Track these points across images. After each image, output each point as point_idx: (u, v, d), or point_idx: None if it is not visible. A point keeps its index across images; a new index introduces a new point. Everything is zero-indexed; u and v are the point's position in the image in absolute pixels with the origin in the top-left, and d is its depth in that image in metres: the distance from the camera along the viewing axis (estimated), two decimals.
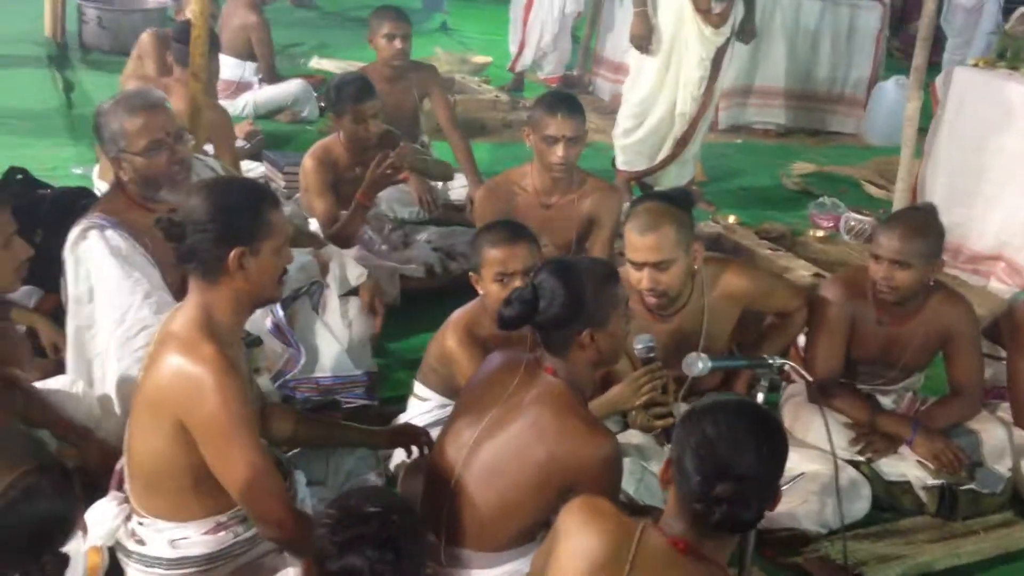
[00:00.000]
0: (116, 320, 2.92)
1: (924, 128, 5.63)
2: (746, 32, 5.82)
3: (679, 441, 1.99)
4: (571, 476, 2.41)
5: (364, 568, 1.77)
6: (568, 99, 4.13)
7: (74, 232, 2.99)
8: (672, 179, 5.91)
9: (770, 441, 1.97)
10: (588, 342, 2.46)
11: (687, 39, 5.59)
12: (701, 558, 1.97)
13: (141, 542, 2.44)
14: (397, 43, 5.40)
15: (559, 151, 3.95)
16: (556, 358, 2.50)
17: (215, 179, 2.50)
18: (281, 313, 3.46)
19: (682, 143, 5.86)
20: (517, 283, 3.05)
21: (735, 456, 1.91)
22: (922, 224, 3.42)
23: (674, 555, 1.97)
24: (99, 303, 2.97)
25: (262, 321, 3.35)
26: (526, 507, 2.49)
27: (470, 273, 3.26)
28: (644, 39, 5.67)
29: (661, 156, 5.89)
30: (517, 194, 4.10)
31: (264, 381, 3.24)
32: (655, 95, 5.77)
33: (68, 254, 3.00)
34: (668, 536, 1.99)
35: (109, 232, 2.97)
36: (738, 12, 5.69)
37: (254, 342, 3.22)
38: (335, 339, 3.60)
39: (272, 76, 7.18)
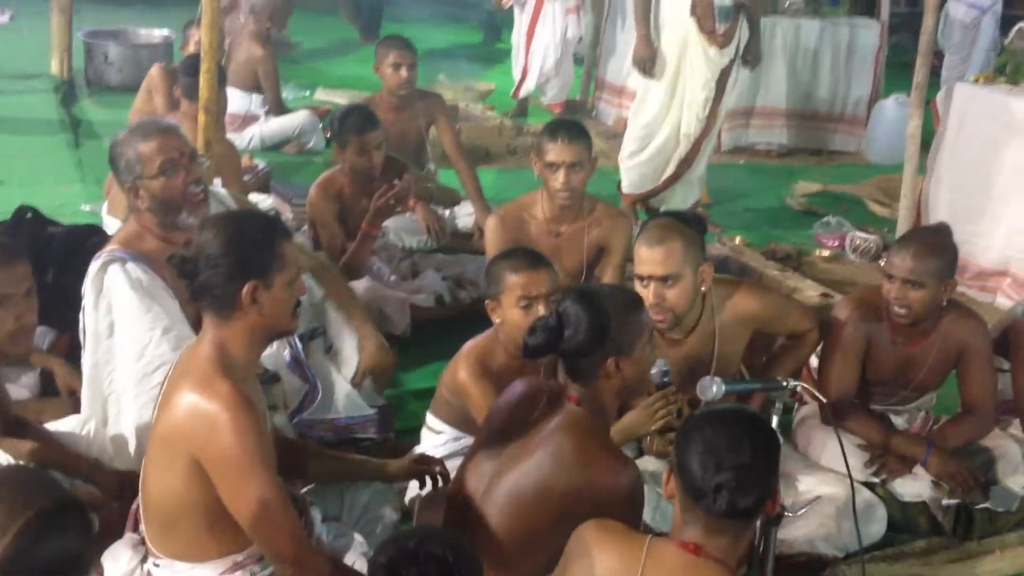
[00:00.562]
0: (135, 355, 2.92)
1: (926, 145, 5.64)
2: (751, 55, 5.85)
3: (680, 448, 2.07)
4: (594, 506, 2.38)
5: None
6: (570, 125, 4.14)
7: (94, 266, 3.00)
8: (678, 201, 5.93)
9: (763, 437, 2.10)
10: (614, 370, 2.46)
11: (692, 61, 5.62)
12: (712, 559, 2.02)
13: None
14: (403, 72, 5.45)
15: (561, 177, 3.98)
16: (580, 386, 2.49)
17: (225, 213, 2.50)
18: (300, 346, 3.45)
19: (686, 164, 5.88)
20: (540, 308, 3.06)
21: (731, 450, 2.02)
22: (936, 243, 3.43)
23: (684, 557, 2.03)
24: (118, 338, 2.97)
25: (280, 354, 3.34)
26: (550, 538, 2.45)
27: (486, 301, 3.25)
28: (648, 62, 5.69)
29: (665, 176, 5.91)
30: (527, 221, 4.11)
31: (280, 418, 3.23)
32: (661, 118, 5.79)
33: (89, 288, 3.00)
34: (677, 541, 2.06)
35: (130, 265, 2.98)
36: (743, 33, 5.72)
37: (271, 378, 3.22)
38: (345, 379, 3.59)
39: (279, 108, 7.23)
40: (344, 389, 3.57)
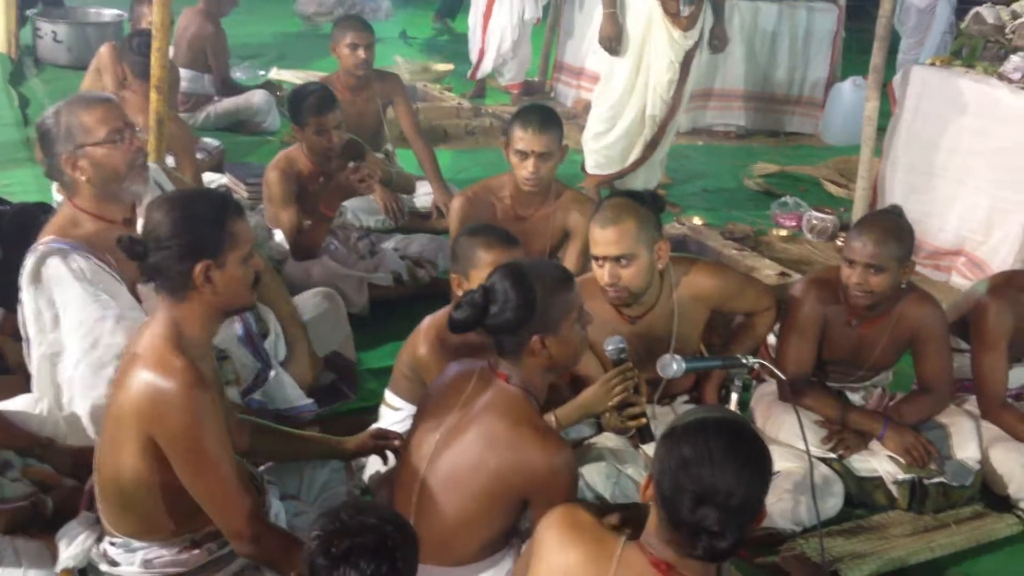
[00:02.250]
0: (87, 347, 2.84)
1: (882, 127, 5.68)
2: (718, 39, 5.87)
3: (660, 460, 1.94)
4: (523, 485, 2.40)
5: None
6: (542, 114, 4.05)
7: (30, 261, 2.88)
8: (640, 183, 5.93)
9: (753, 464, 1.91)
10: (539, 348, 2.45)
11: (656, 42, 5.62)
12: None
13: (114, 563, 2.40)
14: (360, 53, 5.39)
15: (529, 167, 3.94)
16: (509, 364, 2.49)
17: (174, 193, 2.45)
18: (253, 322, 3.40)
19: (651, 146, 5.87)
20: None
21: (716, 481, 1.85)
22: (894, 227, 3.44)
23: None
24: (66, 329, 2.88)
25: (230, 327, 3.28)
26: (484, 518, 2.47)
27: (452, 276, 3.22)
28: (614, 40, 5.69)
29: (631, 159, 5.91)
30: (493, 204, 4.07)
31: (233, 393, 3.19)
32: (626, 99, 5.78)
33: (27, 282, 2.89)
34: (650, 556, 1.95)
35: (71, 256, 2.87)
36: (707, 17, 5.72)
37: (220, 356, 3.17)
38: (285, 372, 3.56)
39: (227, 87, 7.11)
40: (286, 381, 3.52)
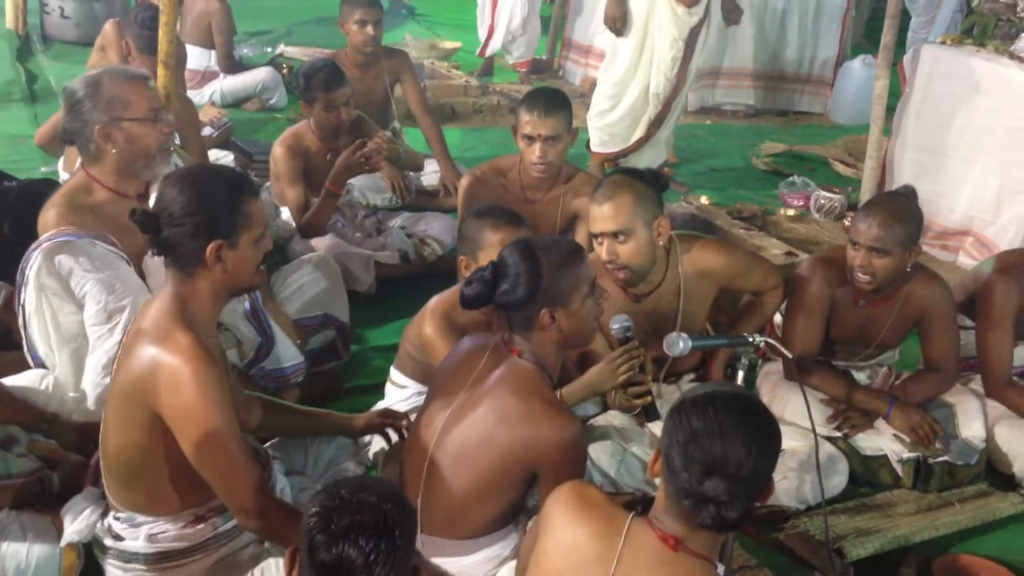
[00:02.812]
0: (108, 332, 2.85)
1: (892, 107, 5.65)
2: (731, 12, 5.84)
3: (669, 434, 1.93)
4: (533, 459, 2.40)
5: (358, 558, 1.73)
6: (550, 97, 4.01)
7: (39, 260, 2.85)
8: (645, 162, 5.90)
9: (762, 437, 1.90)
10: (548, 322, 2.45)
11: (660, 20, 5.59)
12: (692, 554, 1.92)
13: (118, 537, 2.41)
14: (369, 29, 5.36)
15: (537, 151, 3.92)
16: (522, 339, 2.49)
17: (191, 169, 2.43)
18: (259, 297, 3.40)
19: (656, 124, 5.86)
20: None
21: (726, 454, 1.85)
22: (901, 210, 3.40)
23: (663, 551, 1.93)
24: (86, 319, 2.88)
25: (237, 303, 3.29)
26: (494, 492, 2.48)
27: (460, 257, 3.22)
28: (618, 20, 5.66)
29: (635, 137, 5.89)
30: (503, 185, 4.06)
31: (232, 354, 3.19)
32: (630, 76, 5.76)
33: (33, 282, 2.86)
34: (658, 531, 1.95)
35: (77, 248, 2.85)
36: None
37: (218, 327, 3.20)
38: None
39: (231, 64, 7.08)
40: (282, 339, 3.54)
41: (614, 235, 3.20)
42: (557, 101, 4.00)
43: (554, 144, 3.94)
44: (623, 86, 5.79)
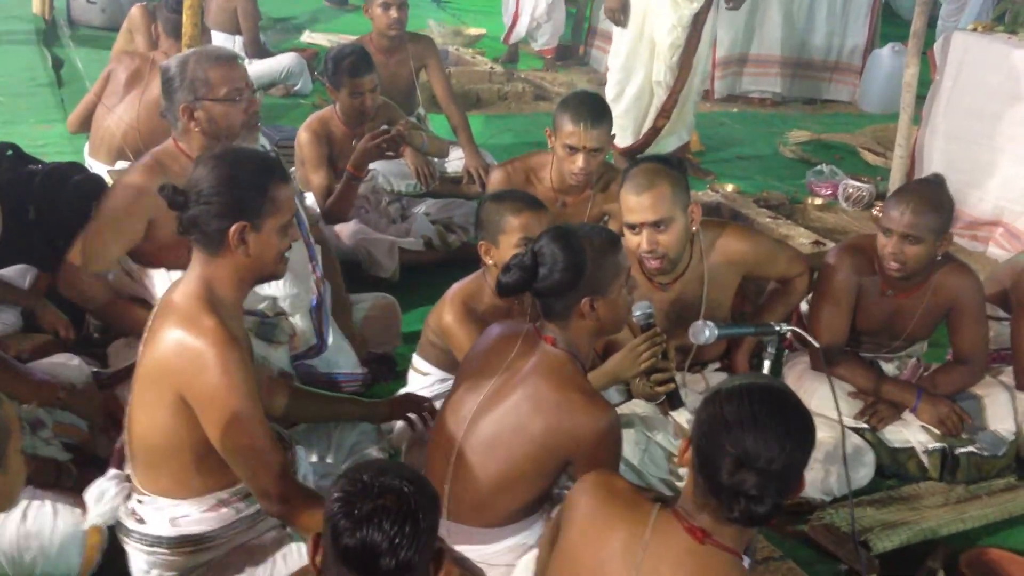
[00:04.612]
0: None
1: (921, 95, 5.59)
2: None
3: (701, 423, 1.89)
4: (569, 448, 2.39)
5: (383, 543, 1.72)
6: (595, 107, 3.85)
7: None
8: (669, 148, 5.87)
9: (797, 431, 1.85)
10: (588, 310, 2.43)
11: (659, 6, 5.53)
12: (719, 547, 1.89)
13: (141, 521, 2.41)
14: (393, 12, 5.35)
15: (579, 162, 3.78)
16: (556, 327, 2.47)
17: (223, 150, 2.44)
18: (327, 294, 3.38)
19: (664, 115, 5.77)
20: None
21: (758, 447, 1.80)
22: (934, 198, 3.35)
23: (690, 543, 1.89)
24: None
25: (306, 296, 3.27)
26: (525, 481, 2.46)
27: (480, 243, 3.19)
28: (617, 11, 5.63)
29: (645, 129, 5.82)
30: (533, 184, 3.94)
31: (282, 354, 3.18)
32: (631, 63, 5.71)
33: None
34: (684, 523, 1.91)
35: None
36: None
37: (278, 313, 3.19)
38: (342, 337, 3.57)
39: (256, 49, 7.09)
40: (345, 346, 3.54)
41: (655, 224, 3.17)
42: (602, 111, 3.86)
43: (597, 155, 3.82)
44: (626, 73, 5.73)
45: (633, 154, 5.83)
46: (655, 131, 5.81)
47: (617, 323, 2.55)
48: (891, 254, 3.34)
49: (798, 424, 1.87)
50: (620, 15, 5.63)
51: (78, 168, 3.92)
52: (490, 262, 3.14)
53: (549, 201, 3.87)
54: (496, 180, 3.99)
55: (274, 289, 3.13)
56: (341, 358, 3.45)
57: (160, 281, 3.14)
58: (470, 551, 2.51)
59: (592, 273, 2.42)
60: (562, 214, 3.88)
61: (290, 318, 3.26)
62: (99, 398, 2.86)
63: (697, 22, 5.58)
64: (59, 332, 3.21)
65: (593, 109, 3.81)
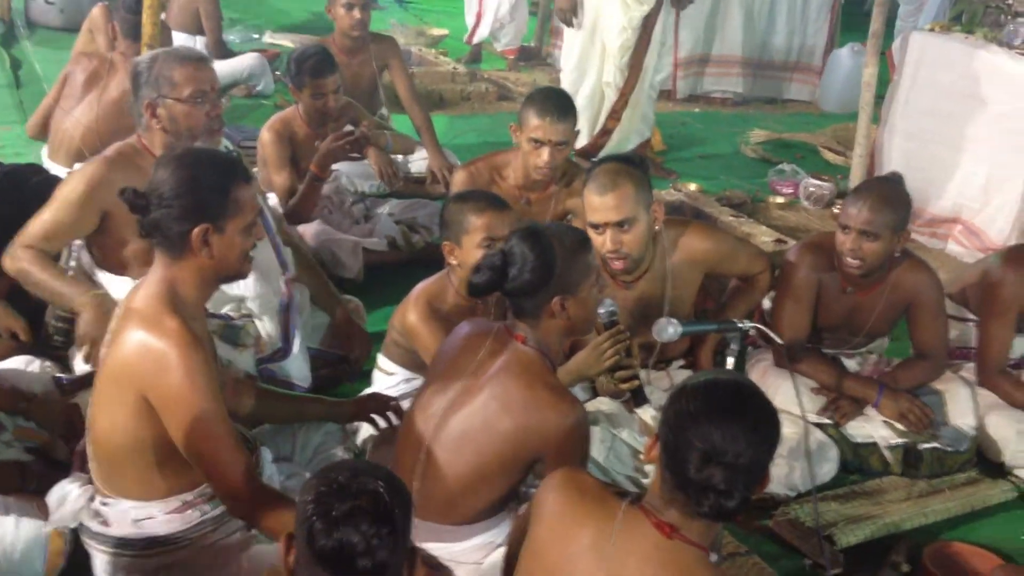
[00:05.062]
0: None
1: (880, 94, 5.65)
2: None
3: (667, 419, 1.90)
4: (537, 446, 2.39)
5: (359, 543, 1.72)
6: (560, 102, 3.89)
7: None
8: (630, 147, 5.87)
9: (762, 425, 1.87)
10: (559, 309, 2.44)
11: (609, 7, 5.53)
12: (686, 542, 1.89)
13: (105, 523, 2.39)
14: (356, 13, 5.31)
15: (544, 155, 3.80)
16: (526, 326, 2.47)
17: (183, 152, 2.42)
18: (297, 298, 3.35)
19: (614, 116, 5.75)
20: None
21: (724, 441, 1.81)
22: (891, 195, 3.40)
23: (657, 538, 1.90)
24: None
25: (274, 297, 3.25)
26: (494, 478, 2.47)
27: (444, 243, 3.18)
28: (569, 12, 5.64)
29: (596, 130, 5.81)
30: (497, 182, 3.97)
31: (247, 357, 3.16)
32: (584, 64, 5.70)
33: None
34: (652, 518, 1.92)
35: None
36: None
37: (244, 316, 3.17)
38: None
39: (219, 50, 7.03)
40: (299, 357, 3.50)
41: (619, 224, 3.18)
42: (567, 105, 3.90)
43: (562, 149, 3.85)
44: (578, 74, 5.73)
45: (587, 155, 5.85)
46: (606, 132, 5.80)
47: (587, 322, 2.56)
48: (849, 250, 3.38)
49: (764, 418, 1.88)
50: (570, 15, 5.63)
51: (37, 170, 3.86)
52: (454, 262, 3.14)
53: (513, 199, 3.89)
54: (460, 180, 3.99)
55: (242, 289, 3.11)
56: (294, 369, 3.41)
57: (112, 286, 3.10)
58: (438, 549, 2.51)
59: (562, 273, 2.42)
60: (526, 211, 3.89)
61: (257, 320, 3.24)
62: (60, 408, 2.82)
63: (647, 24, 5.58)
64: (17, 335, 3.17)
65: (559, 104, 3.85)
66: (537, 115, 3.79)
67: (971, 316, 3.75)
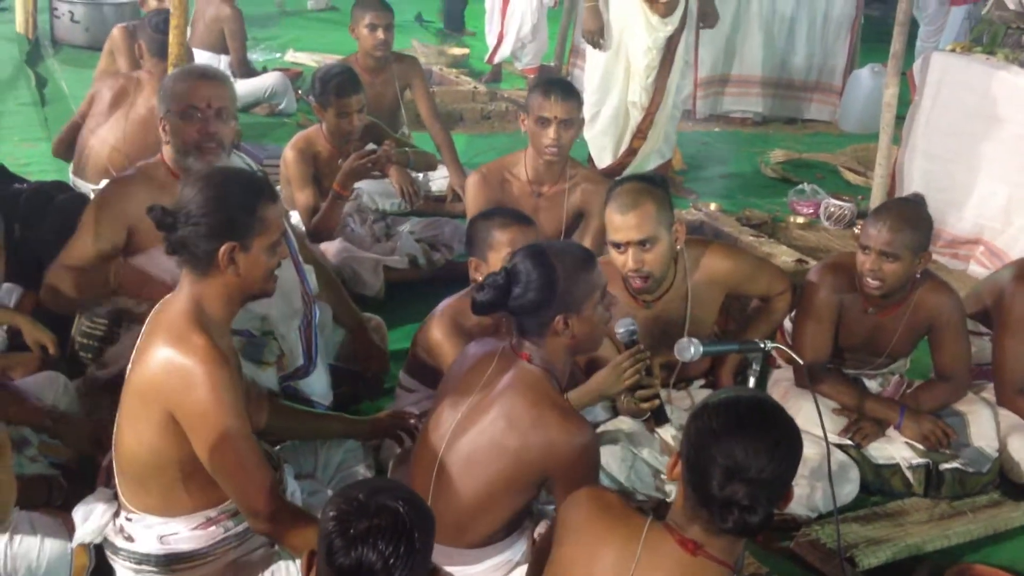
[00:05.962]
0: None
1: (901, 115, 5.65)
2: (707, 16, 5.81)
3: (690, 436, 1.91)
4: (544, 465, 2.39)
5: (377, 562, 1.73)
6: (562, 83, 4.13)
7: None
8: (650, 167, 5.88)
9: (784, 441, 1.88)
10: (562, 328, 2.44)
11: (634, 28, 5.55)
12: (711, 559, 1.90)
13: (130, 539, 2.40)
14: (380, 33, 5.37)
15: (551, 133, 3.94)
16: (532, 344, 2.48)
17: (211, 171, 2.45)
18: (317, 315, 3.36)
19: (640, 135, 5.77)
20: None
21: (747, 458, 1.82)
22: (912, 215, 3.40)
23: (682, 555, 1.90)
24: None
25: (295, 315, 3.25)
26: (502, 498, 2.47)
27: (470, 260, 3.21)
28: (595, 34, 5.64)
29: (622, 150, 5.83)
30: (509, 181, 4.08)
31: (270, 374, 3.18)
32: (607, 85, 5.72)
33: None
34: (676, 535, 1.92)
35: None
36: (690, 2, 5.62)
37: (266, 332, 3.18)
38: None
39: (244, 69, 7.10)
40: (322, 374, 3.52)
41: (641, 243, 3.20)
42: (570, 88, 4.10)
43: (568, 128, 3.98)
44: (602, 95, 5.74)
45: (612, 175, 5.86)
46: (632, 151, 5.82)
47: (593, 340, 2.55)
48: (869, 271, 3.38)
49: (786, 433, 1.90)
50: (599, 37, 5.65)
51: (63, 187, 3.92)
52: (480, 278, 3.15)
53: (526, 194, 3.99)
54: (473, 183, 4.09)
55: (264, 307, 3.13)
56: (316, 385, 3.42)
57: None
58: (455, 572, 2.50)
59: (565, 291, 2.42)
60: (538, 206, 3.98)
61: (279, 337, 3.26)
62: (86, 427, 2.84)
63: (671, 44, 5.61)
64: (46, 348, 3.19)
65: (562, 85, 4.08)
66: (542, 95, 3.98)
67: (985, 330, 3.73)
